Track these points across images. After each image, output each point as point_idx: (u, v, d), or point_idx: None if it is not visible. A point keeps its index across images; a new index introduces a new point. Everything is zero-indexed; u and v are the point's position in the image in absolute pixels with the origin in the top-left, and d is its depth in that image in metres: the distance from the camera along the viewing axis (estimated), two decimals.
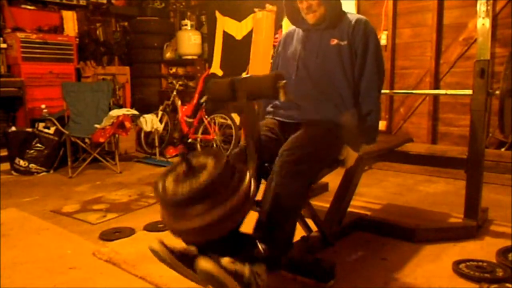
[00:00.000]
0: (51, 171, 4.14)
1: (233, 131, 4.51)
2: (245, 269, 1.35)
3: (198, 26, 5.78)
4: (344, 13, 1.92)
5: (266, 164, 1.70)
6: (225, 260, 1.31)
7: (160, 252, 1.37)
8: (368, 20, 1.91)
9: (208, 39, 5.53)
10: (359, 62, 1.84)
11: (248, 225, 1.53)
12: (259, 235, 1.52)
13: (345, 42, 1.84)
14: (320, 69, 1.86)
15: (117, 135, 4.25)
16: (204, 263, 1.29)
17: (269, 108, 2.01)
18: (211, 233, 1.34)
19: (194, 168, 1.37)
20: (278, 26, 4.52)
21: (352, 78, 1.85)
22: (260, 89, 1.61)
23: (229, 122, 4.62)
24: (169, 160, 4.58)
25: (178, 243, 1.43)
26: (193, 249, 1.40)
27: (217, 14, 5.15)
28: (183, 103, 5.07)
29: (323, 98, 1.84)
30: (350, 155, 1.85)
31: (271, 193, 1.58)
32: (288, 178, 1.57)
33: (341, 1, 1.92)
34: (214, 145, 4.63)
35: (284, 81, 1.55)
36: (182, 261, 1.37)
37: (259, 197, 1.61)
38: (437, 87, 3.93)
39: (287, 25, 3.93)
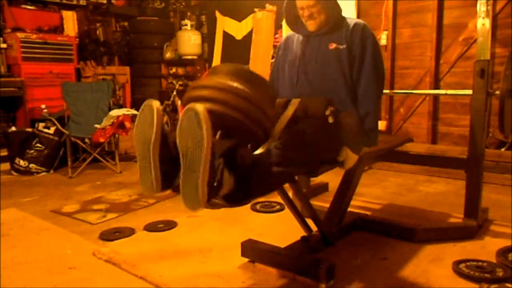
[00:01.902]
0: (51, 171, 4.14)
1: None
2: (221, 161, 1.30)
3: (198, 26, 5.79)
4: (344, 18, 1.93)
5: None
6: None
7: (155, 110, 1.32)
8: (367, 24, 1.92)
9: (208, 39, 5.53)
10: (357, 66, 1.85)
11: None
12: (245, 150, 1.46)
13: (344, 46, 1.85)
14: (319, 74, 1.88)
15: (117, 135, 4.25)
16: (198, 106, 1.24)
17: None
18: (229, 107, 1.34)
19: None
20: (278, 26, 4.52)
21: (352, 82, 1.86)
22: (310, 112, 1.71)
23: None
24: None
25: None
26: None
27: (217, 14, 5.15)
28: (183, 103, 5.07)
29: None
30: (350, 157, 1.84)
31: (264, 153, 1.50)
32: (284, 149, 1.51)
33: (341, 3, 1.92)
34: None
35: (333, 107, 1.69)
36: (162, 140, 1.31)
37: None
38: (437, 87, 3.93)
39: (287, 26, 3.94)
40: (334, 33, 1.89)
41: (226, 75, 1.40)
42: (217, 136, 1.34)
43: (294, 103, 1.74)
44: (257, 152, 1.48)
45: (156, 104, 1.34)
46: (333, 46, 1.87)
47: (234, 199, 1.39)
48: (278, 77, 2.10)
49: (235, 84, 1.37)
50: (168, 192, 1.44)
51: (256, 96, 1.39)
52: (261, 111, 1.40)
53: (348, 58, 1.85)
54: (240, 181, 1.35)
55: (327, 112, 1.65)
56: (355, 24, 1.88)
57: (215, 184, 1.29)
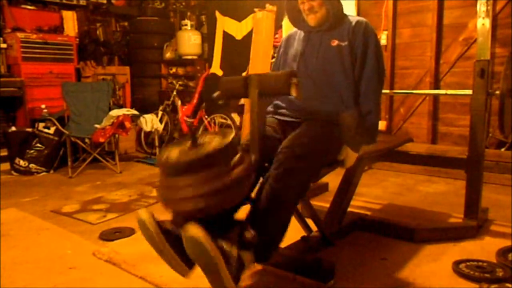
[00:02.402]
0: (51, 171, 4.14)
1: (233, 131, 4.51)
2: (233, 250, 1.33)
3: (198, 26, 5.78)
4: (345, 15, 1.93)
5: (266, 164, 1.69)
6: (215, 239, 1.30)
7: (147, 222, 1.34)
8: (369, 22, 1.91)
9: (208, 39, 5.53)
10: (359, 63, 1.84)
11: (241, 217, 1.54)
12: (251, 222, 1.50)
13: (346, 43, 1.84)
14: (320, 70, 1.87)
15: (117, 135, 4.25)
16: (194, 230, 1.26)
17: (270, 108, 2.00)
18: (206, 205, 1.31)
19: (201, 142, 1.38)
20: (278, 26, 4.52)
21: (353, 79, 1.85)
22: (273, 86, 1.62)
23: (229, 122, 4.62)
24: None
25: (166, 220, 1.42)
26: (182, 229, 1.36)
27: (217, 14, 5.15)
28: (183, 103, 5.07)
29: (323, 99, 1.85)
30: (350, 156, 1.85)
31: (268, 187, 1.57)
32: (287, 174, 1.57)
33: (342, 2, 1.92)
34: None
35: (296, 78, 1.56)
36: (167, 239, 1.35)
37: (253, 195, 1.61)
38: (437, 87, 3.93)
39: (287, 25, 3.93)
40: (335, 30, 1.88)
41: (174, 177, 1.34)
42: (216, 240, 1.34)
43: (254, 82, 1.64)
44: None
45: (144, 215, 1.37)
46: (335, 42, 1.86)
47: (263, 260, 1.57)
48: None
49: (192, 191, 1.30)
50: None
51: (221, 177, 1.32)
52: (231, 187, 1.34)
53: (350, 55, 1.84)
54: (257, 251, 1.44)
55: (291, 82, 1.55)
56: (358, 22, 1.87)
57: (238, 270, 1.36)
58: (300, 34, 2.00)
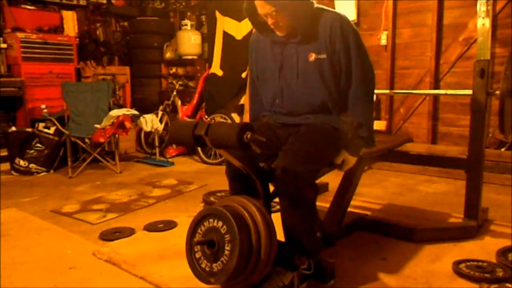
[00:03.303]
0: (51, 171, 4.14)
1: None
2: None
3: (198, 26, 5.78)
4: (317, 15, 1.70)
5: (262, 165, 1.68)
6: None
7: None
8: (345, 16, 1.72)
9: (208, 39, 5.53)
10: (344, 71, 1.71)
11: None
12: (297, 254, 1.64)
13: (324, 55, 1.69)
14: (302, 89, 1.76)
15: (117, 135, 4.25)
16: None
17: (264, 113, 1.95)
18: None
19: (215, 243, 1.47)
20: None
21: (339, 90, 1.75)
22: (224, 140, 1.42)
23: (229, 122, 4.62)
24: (169, 160, 4.58)
25: None
26: None
27: (217, 14, 5.15)
28: (183, 103, 5.07)
29: (314, 114, 1.79)
30: (348, 160, 1.81)
31: (283, 223, 1.70)
32: (292, 204, 1.64)
33: (341, 3, 1.85)
34: None
35: (250, 133, 1.37)
36: None
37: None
38: (437, 87, 3.93)
39: None
40: (310, 41, 1.70)
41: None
42: None
43: (202, 133, 1.45)
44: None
45: None
46: (312, 57, 1.71)
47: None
48: (260, 89, 1.94)
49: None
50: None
51: (256, 269, 1.50)
52: (262, 269, 1.52)
53: (331, 68, 1.70)
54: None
55: (247, 137, 1.36)
56: (333, 22, 1.68)
57: None
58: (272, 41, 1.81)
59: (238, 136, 1.36)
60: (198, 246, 1.52)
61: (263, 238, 1.48)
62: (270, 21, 1.68)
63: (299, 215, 1.65)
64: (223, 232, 1.46)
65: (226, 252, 1.44)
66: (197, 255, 1.53)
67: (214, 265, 1.47)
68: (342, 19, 1.70)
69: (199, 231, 1.54)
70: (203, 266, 1.51)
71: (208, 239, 1.48)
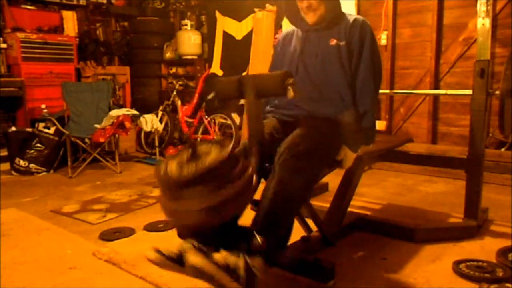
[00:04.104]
0: (51, 171, 4.14)
1: (233, 131, 4.51)
2: (240, 262, 1.32)
3: (198, 26, 5.78)
4: (343, 14, 1.92)
5: (267, 165, 1.69)
6: (217, 255, 1.30)
7: (157, 260, 1.38)
8: (366, 20, 1.90)
9: (208, 39, 5.53)
10: (355, 63, 1.83)
11: (245, 221, 1.54)
12: (256, 228, 1.50)
13: (344, 42, 1.83)
14: (319, 70, 1.86)
15: (117, 135, 4.25)
16: (193, 258, 1.28)
17: (269, 108, 2.00)
18: (210, 218, 1.32)
19: (199, 154, 1.37)
20: (278, 26, 4.52)
21: (352, 77, 1.84)
22: (268, 87, 1.62)
23: (229, 122, 4.62)
24: None
25: (172, 245, 1.42)
26: (185, 247, 1.37)
27: (217, 14, 5.15)
28: (183, 103, 5.07)
29: (323, 99, 1.84)
30: (348, 156, 1.85)
31: (271, 190, 1.56)
32: (289, 175, 1.56)
33: (341, 1, 1.92)
34: None
35: (292, 79, 1.55)
36: (180, 263, 1.37)
37: (257, 197, 1.60)
38: (437, 87, 3.93)
39: (287, 25, 3.93)
40: (333, 29, 1.87)
41: (178, 194, 1.33)
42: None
43: (248, 82, 1.65)
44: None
45: (152, 256, 1.38)
46: (333, 42, 1.85)
47: (272, 262, 1.53)
48: None
49: (197, 203, 1.30)
50: None
51: (222, 190, 1.31)
52: (233, 199, 1.34)
53: (348, 55, 1.83)
54: (266, 255, 1.43)
55: (287, 83, 1.54)
56: (355, 20, 1.86)
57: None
58: (298, 32, 1.98)
59: (281, 81, 1.54)
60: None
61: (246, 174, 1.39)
62: (305, 4, 1.84)
63: (291, 188, 1.57)
64: (208, 149, 1.38)
65: (205, 158, 1.32)
66: (173, 162, 1.36)
67: (185, 167, 1.32)
68: (364, 20, 1.89)
69: None
70: (170, 167, 1.34)
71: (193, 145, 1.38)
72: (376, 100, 1.91)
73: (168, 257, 1.38)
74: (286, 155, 1.60)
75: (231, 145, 1.38)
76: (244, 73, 4.74)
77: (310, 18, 1.88)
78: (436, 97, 3.95)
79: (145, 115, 4.48)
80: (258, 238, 1.43)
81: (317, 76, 1.86)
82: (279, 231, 1.56)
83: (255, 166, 1.54)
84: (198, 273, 1.30)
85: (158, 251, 1.38)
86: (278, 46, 2.10)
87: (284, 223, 1.58)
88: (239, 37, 4.98)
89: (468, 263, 1.89)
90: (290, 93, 1.54)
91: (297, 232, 2.01)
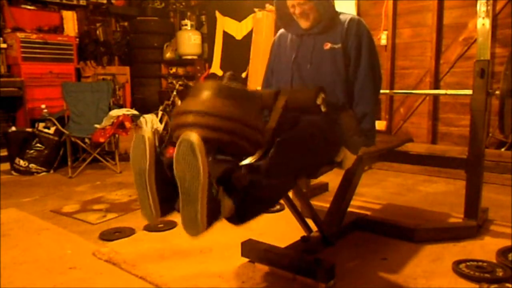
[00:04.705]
0: (51, 171, 4.14)
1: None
2: (219, 188, 1.28)
3: (198, 26, 5.78)
4: (338, 14, 1.88)
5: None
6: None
7: (146, 139, 1.29)
8: (362, 19, 1.87)
9: (208, 39, 5.53)
10: (353, 65, 1.81)
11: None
12: (248, 172, 1.40)
13: (339, 45, 1.81)
14: (314, 76, 1.84)
15: (117, 135, 4.25)
16: (193, 136, 1.19)
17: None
18: (226, 130, 1.30)
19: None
20: (278, 26, 4.52)
21: (348, 82, 1.82)
22: (302, 102, 1.62)
23: None
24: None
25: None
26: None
27: (217, 14, 5.15)
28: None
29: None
30: (348, 157, 1.83)
31: (272, 152, 1.46)
32: (290, 144, 1.51)
33: (341, 1, 1.90)
34: None
35: (324, 94, 1.58)
36: (156, 167, 1.30)
37: None
38: (437, 87, 3.93)
39: None
40: (328, 32, 1.84)
41: (210, 96, 1.35)
42: (210, 159, 1.30)
43: (284, 94, 1.65)
44: (252, 161, 1.45)
45: (147, 133, 1.33)
46: (327, 46, 1.83)
47: (237, 220, 1.40)
48: (272, 78, 2.05)
49: (220, 105, 1.32)
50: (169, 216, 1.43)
51: (242, 112, 1.34)
52: (249, 127, 1.35)
53: (344, 58, 1.80)
54: (240, 203, 1.34)
55: (319, 101, 1.56)
56: (350, 21, 1.82)
57: (214, 211, 1.28)
58: (292, 36, 1.96)
59: (315, 96, 1.57)
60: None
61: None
62: (298, 10, 1.81)
63: (291, 155, 1.52)
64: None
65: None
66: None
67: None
68: (359, 20, 1.85)
69: None
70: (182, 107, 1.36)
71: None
72: (377, 101, 1.90)
73: (157, 151, 1.32)
74: (287, 133, 1.56)
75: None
76: (244, 73, 4.75)
77: (304, 23, 1.85)
78: (436, 97, 3.95)
79: (145, 115, 4.48)
80: (245, 177, 1.36)
81: (312, 81, 1.83)
82: (265, 192, 1.46)
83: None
84: (186, 152, 1.19)
85: (154, 136, 1.34)
86: (274, 46, 2.07)
87: (273, 186, 1.48)
88: (239, 37, 4.98)
89: (468, 263, 1.89)
90: (323, 108, 1.59)
91: (297, 232, 2.02)
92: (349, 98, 1.83)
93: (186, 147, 1.20)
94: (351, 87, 1.82)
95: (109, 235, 2.37)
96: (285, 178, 1.54)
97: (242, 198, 1.34)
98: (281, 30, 2.07)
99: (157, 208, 1.34)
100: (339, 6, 1.93)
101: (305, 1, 1.78)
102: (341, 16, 1.86)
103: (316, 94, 1.57)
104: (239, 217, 1.39)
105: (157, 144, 1.31)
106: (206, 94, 1.35)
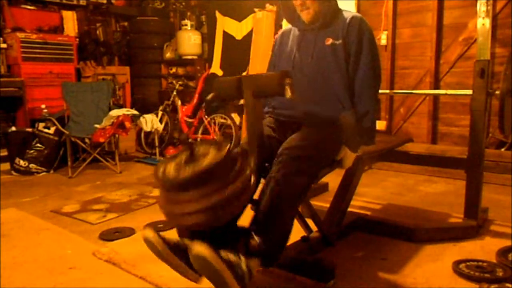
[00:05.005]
0: (51, 171, 4.14)
1: (233, 131, 4.51)
2: (241, 261, 1.34)
3: (198, 26, 5.78)
4: (340, 11, 1.89)
5: (266, 164, 1.69)
6: (221, 250, 1.31)
7: (154, 242, 1.36)
8: (364, 18, 1.87)
9: (208, 39, 5.53)
10: (353, 61, 1.80)
11: (245, 221, 1.54)
12: (254, 229, 1.50)
13: (340, 41, 1.81)
14: (315, 70, 1.84)
15: (117, 135, 4.25)
16: (199, 247, 1.27)
17: (267, 109, 1.99)
18: (208, 220, 1.32)
19: (197, 155, 1.38)
20: (278, 26, 4.52)
21: (349, 78, 1.82)
22: (266, 87, 1.63)
23: (229, 122, 4.62)
24: None
25: (172, 235, 1.42)
26: (187, 242, 1.39)
27: (217, 14, 5.15)
28: (183, 103, 5.07)
29: (320, 99, 1.83)
30: (348, 156, 1.84)
31: (270, 191, 1.56)
32: (287, 176, 1.57)
33: (341, 3, 1.91)
34: None
35: (290, 79, 1.55)
36: (175, 253, 1.37)
37: (256, 196, 1.61)
38: (437, 87, 3.93)
39: (287, 25, 3.93)
40: (329, 28, 1.84)
41: (176, 196, 1.35)
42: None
43: (247, 82, 1.66)
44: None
45: (149, 234, 1.39)
46: (329, 41, 1.82)
47: (269, 264, 1.58)
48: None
49: (188, 199, 1.31)
50: None
51: (214, 193, 1.31)
52: (228, 199, 1.33)
53: (344, 54, 1.80)
54: (263, 260, 1.46)
55: (285, 83, 1.54)
56: (352, 18, 1.83)
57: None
58: (295, 31, 1.97)
59: (279, 81, 1.54)
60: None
61: (243, 177, 1.39)
62: (299, 2, 1.83)
63: (289, 188, 1.57)
64: (206, 150, 1.40)
65: (202, 160, 1.34)
66: (171, 164, 1.39)
67: (182, 169, 1.34)
68: (362, 18, 1.85)
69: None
70: (169, 169, 1.36)
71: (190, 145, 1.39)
72: (377, 99, 1.89)
73: (165, 241, 1.37)
74: (285, 156, 1.61)
75: (229, 146, 1.38)
76: (244, 73, 4.74)
77: (305, 16, 1.86)
78: (436, 97, 3.95)
79: (145, 115, 4.48)
80: (256, 238, 1.43)
81: (313, 76, 1.84)
82: (278, 232, 1.55)
83: (253, 166, 1.55)
84: (201, 263, 1.28)
85: (158, 234, 1.37)
86: (275, 45, 2.09)
87: (283, 223, 1.58)
88: (239, 37, 4.98)
89: (468, 263, 1.89)
90: (288, 92, 1.53)
91: (297, 232, 2.01)
92: (349, 93, 1.82)
93: (199, 261, 1.29)
94: (352, 82, 1.82)
95: (109, 235, 2.37)
96: (291, 208, 1.63)
97: (263, 252, 1.46)
98: (284, 28, 2.09)
99: (194, 275, 1.42)
100: (339, 7, 1.94)
101: None
102: (344, 13, 1.87)
103: (282, 78, 1.56)
104: (269, 263, 1.58)
105: (162, 236, 1.40)
106: (172, 194, 1.36)
